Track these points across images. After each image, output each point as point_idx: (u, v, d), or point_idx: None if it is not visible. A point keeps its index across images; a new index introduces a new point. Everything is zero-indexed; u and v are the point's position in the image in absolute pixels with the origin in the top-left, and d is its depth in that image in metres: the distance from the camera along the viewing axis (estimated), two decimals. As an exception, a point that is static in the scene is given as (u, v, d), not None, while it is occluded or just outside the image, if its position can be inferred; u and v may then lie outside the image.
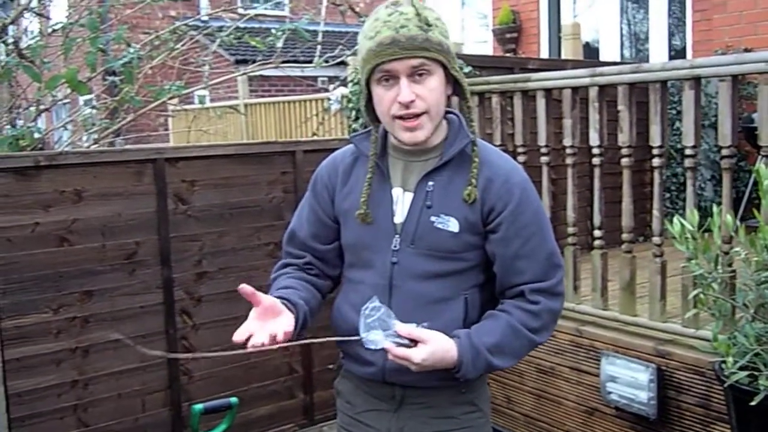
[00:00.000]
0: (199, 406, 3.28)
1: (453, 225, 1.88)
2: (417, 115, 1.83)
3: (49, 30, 5.45)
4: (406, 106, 1.82)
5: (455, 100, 2.02)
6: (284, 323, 1.78)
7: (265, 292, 1.86)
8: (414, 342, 1.76)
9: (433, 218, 1.89)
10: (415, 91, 1.81)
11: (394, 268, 1.92)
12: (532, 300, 1.89)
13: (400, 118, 1.84)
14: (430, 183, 1.91)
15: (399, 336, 1.75)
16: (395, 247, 1.92)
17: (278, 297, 1.87)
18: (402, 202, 1.94)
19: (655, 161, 3.48)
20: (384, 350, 1.76)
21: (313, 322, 1.95)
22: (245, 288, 1.72)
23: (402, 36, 1.79)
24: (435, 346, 1.77)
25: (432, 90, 1.83)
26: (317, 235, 2.07)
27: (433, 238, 1.89)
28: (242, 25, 5.47)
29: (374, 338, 1.76)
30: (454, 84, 1.92)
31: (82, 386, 3.74)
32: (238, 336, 1.70)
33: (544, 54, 9.40)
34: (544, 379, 3.96)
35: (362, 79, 1.89)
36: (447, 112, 1.98)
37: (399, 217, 1.93)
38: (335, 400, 2.16)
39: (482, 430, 2.02)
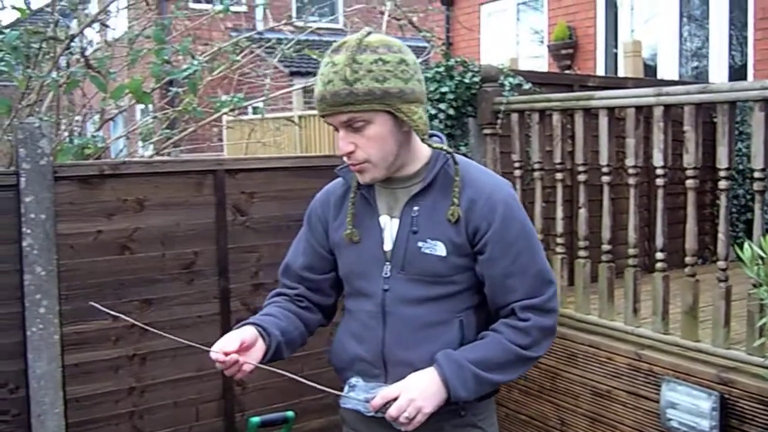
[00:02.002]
0: (256, 419, 3.28)
1: (440, 249, 1.88)
2: (358, 163, 1.85)
3: (113, 39, 5.56)
4: (347, 155, 1.85)
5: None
6: (253, 358, 1.87)
7: None
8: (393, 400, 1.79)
9: (420, 243, 1.90)
10: (353, 141, 1.82)
11: (386, 295, 1.94)
12: (522, 317, 1.88)
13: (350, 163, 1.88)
14: (415, 208, 1.92)
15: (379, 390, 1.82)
16: (386, 274, 1.94)
17: (255, 323, 1.94)
18: (390, 229, 1.95)
19: (722, 183, 3.41)
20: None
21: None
22: (217, 356, 1.81)
23: (327, 92, 1.79)
24: (407, 379, 1.81)
25: (371, 139, 1.82)
26: (312, 267, 2.11)
27: (422, 263, 1.90)
28: (299, 38, 5.52)
29: (351, 394, 1.84)
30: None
31: (139, 393, 3.78)
32: (215, 355, 1.81)
33: (600, 70, 9.32)
34: (599, 402, 3.89)
35: None
36: (430, 135, 1.96)
37: (388, 245, 1.95)
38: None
39: None
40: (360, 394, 1.84)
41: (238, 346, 1.83)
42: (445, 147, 1.94)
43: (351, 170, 1.91)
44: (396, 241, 1.94)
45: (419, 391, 1.79)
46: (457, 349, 1.88)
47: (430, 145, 1.93)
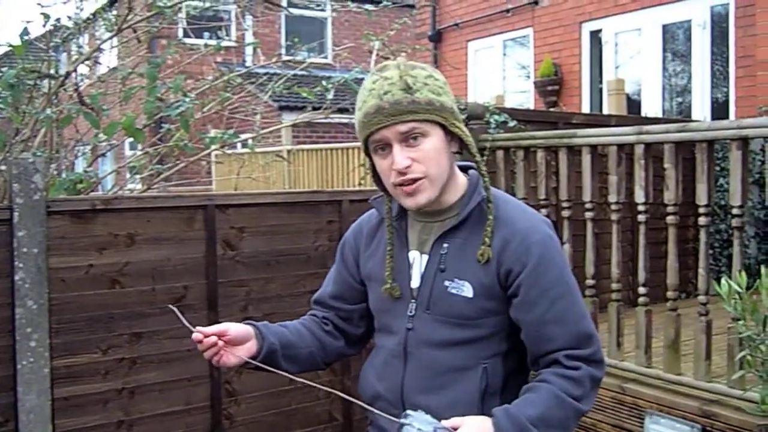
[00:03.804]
0: (243, 452, 3.32)
1: (467, 290, 1.80)
2: (415, 180, 1.77)
3: (105, 74, 5.63)
4: (402, 172, 1.76)
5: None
6: (239, 353, 1.86)
7: None
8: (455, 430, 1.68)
9: (447, 283, 1.83)
10: (409, 156, 1.76)
11: (409, 334, 1.87)
12: (571, 366, 1.77)
13: (401, 185, 1.78)
14: (445, 245, 1.85)
15: (440, 427, 1.69)
16: (411, 312, 1.88)
17: (255, 325, 1.92)
18: (418, 265, 1.89)
19: (702, 220, 3.50)
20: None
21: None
22: (202, 331, 1.82)
23: (386, 102, 1.74)
24: (465, 430, 1.67)
25: (427, 152, 1.77)
26: (341, 296, 2.08)
27: (448, 303, 1.82)
28: (287, 72, 5.60)
29: (414, 423, 1.71)
30: (461, 139, 1.85)
31: (127, 427, 3.79)
32: (196, 335, 1.81)
33: (586, 106, 9.47)
34: (585, 435, 3.94)
35: (363, 150, 1.87)
36: (467, 167, 1.93)
37: (415, 282, 1.89)
38: None
39: None
40: (417, 423, 1.71)
41: (218, 331, 1.83)
42: (484, 180, 1.87)
43: (406, 192, 1.79)
44: (423, 278, 1.87)
45: None
46: (478, 399, 1.80)
47: (465, 171, 1.91)
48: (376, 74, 1.81)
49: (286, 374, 1.91)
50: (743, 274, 2.69)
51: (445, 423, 1.69)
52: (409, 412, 1.75)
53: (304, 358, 2.01)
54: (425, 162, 1.77)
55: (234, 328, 1.87)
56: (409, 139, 1.76)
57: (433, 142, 1.78)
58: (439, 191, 1.82)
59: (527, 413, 1.70)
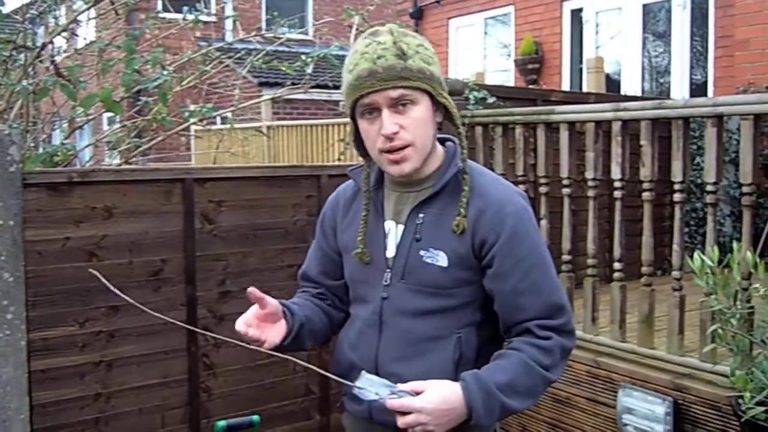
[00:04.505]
0: (221, 423, 3.33)
1: (442, 259, 1.82)
2: (402, 148, 1.78)
3: (82, 47, 5.58)
4: (390, 138, 1.77)
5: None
6: (275, 334, 1.85)
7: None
8: (416, 393, 1.68)
9: (422, 252, 1.84)
10: (398, 122, 1.77)
11: (384, 303, 1.89)
12: (543, 336, 1.79)
13: (387, 152, 1.79)
14: (421, 215, 1.86)
15: (397, 390, 1.69)
16: (386, 282, 1.89)
17: (281, 303, 1.90)
18: (394, 235, 1.91)
19: (677, 196, 3.53)
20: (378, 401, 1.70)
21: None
22: (254, 293, 1.79)
23: (379, 67, 1.74)
24: (432, 392, 1.68)
25: (416, 120, 1.78)
26: (326, 272, 2.09)
27: (423, 273, 1.84)
28: (266, 47, 5.58)
29: (370, 388, 1.69)
30: (445, 110, 1.87)
31: (105, 400, 3.79)
32: (240, 327, 1.80)
33: (566, 85, 9.49)
34: (560, 408, 3.99)
35: (347, 113, 1.87)
36: (445, 140, 1.95)
37: (390, 251, 1.90)
38: None
39: None
40: (374, 387, 1.69)
41: (259, 301, 1.80)
42: (462, 152, 1.88)
43: (391, 159, 1.80)
44: (398, 248, 1.88)
45: (436, 417, 1.66)
46: (452, 368, 1.81)
47: (443, 143, 1.92)
48: (368, 38, 1.80)
49: (260, 348, 1.87)
50: (715, 249, 2.74)
51: (402, 386, 1.70)
52: (365, 374, 1.73)
53: (319, 333, 2.02)
54: (412, 129, 1.78)
55: (272, 302, 1.84)
56: (398, 105, 1.77)
57: (421, 110, 1.80)
58: (422, 160, 1.84)
59: (496, 379, 1.73)
